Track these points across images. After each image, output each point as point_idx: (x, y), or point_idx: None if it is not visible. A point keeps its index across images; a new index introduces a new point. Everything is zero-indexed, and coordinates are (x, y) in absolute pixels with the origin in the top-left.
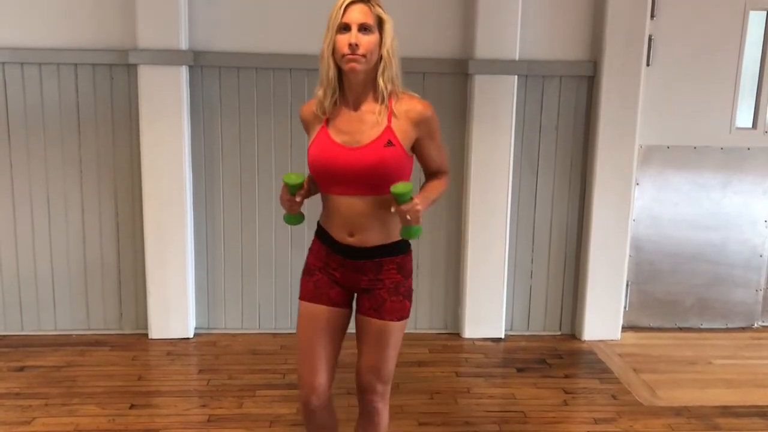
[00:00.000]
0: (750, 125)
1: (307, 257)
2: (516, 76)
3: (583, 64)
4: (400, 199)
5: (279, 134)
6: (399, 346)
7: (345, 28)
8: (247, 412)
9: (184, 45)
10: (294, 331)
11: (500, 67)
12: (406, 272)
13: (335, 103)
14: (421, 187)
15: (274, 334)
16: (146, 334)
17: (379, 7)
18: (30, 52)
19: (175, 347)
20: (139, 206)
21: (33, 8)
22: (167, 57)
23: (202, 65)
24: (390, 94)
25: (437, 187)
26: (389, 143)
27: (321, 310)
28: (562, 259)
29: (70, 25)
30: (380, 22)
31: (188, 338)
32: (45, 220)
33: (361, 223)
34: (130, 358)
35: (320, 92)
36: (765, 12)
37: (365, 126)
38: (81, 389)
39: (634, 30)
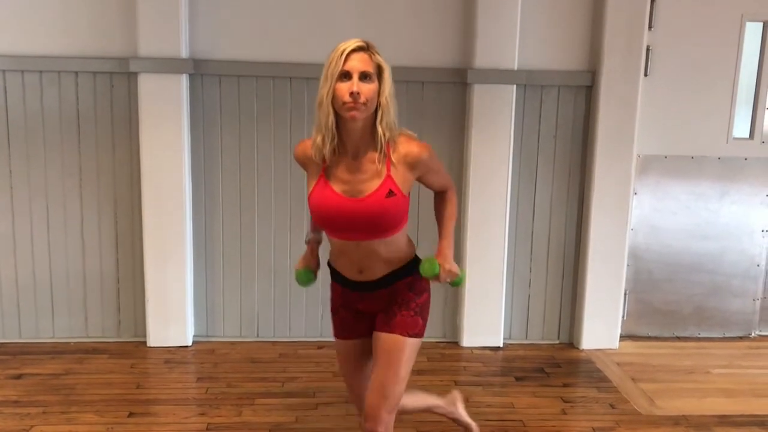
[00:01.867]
0: (747, 135)
1: (330, 295)
2: (515, 86)
3: (581, 74)
4: (432, 277)
5: (279, 143)
6: (409, 367)
7: (345, 76)
8: (246, 420)
9: (184, 53)
10: (293, 339)
11: (499, 76)
12: (417, 290)
13: (333, 149)
14: (437, 219)
15: (273, 342)
16: (145, 342)
17: (378, 54)
18: (31, 60)
19: (173, 355)
20: (138, 214)
21: (34, 16)
22: (168, 65)
23: (203, 73)
24: (387, 141)
25: (451, 212)
26: (390, 193)
27: (352, 344)
28: (561, 268)
29: (71, 33)
30: (379, 70)
31: (187, 346)
32: (44, 228)
33: (367, 262)
34: (128, 366)
35: (318, 139)
36: (762, 23)
37: (365, 176)
38: (79, 397)
39: (632, 40)
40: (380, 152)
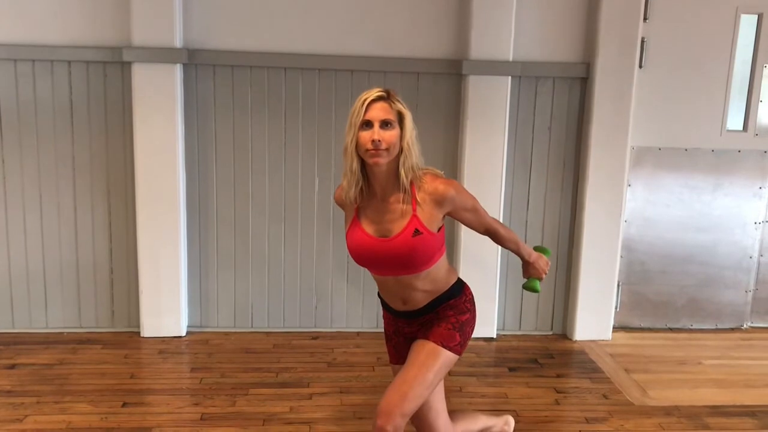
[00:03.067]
0: (741, 128)
1: (384, 324)
2: (510, 77)
3: (576, 65)
4: (535, 288)
5: (273, 133)
6: (438, 378)
7: (367, 124)
8: (240, 411)
9: (178, 43)
10: (287, 329)
11: (494, 68)
12: (459, 309)
13: (362, 192)
14: (509, 249)
15: (267, 333)
16: (138, 332)
17: (399, 102)
18: (23, 49)
19: (167, 345)
20: (132, 204)
21: (26, 5)
22: (161, 55)
23: (197, 63)
24: (412, 182)
25: (510, 237)
26: (417, 232)
27: None
28: (554, 260)
29: (64, 22)
30: (400, 117)
31: (181, 336)
32: (37, 218)
33: (408, 295)
34: (122, 356)
35: (345, 183)
36: (756, 15)
37: (393, 216)
38: (73, 387)
39: (627, 32)
40: (404, 193)
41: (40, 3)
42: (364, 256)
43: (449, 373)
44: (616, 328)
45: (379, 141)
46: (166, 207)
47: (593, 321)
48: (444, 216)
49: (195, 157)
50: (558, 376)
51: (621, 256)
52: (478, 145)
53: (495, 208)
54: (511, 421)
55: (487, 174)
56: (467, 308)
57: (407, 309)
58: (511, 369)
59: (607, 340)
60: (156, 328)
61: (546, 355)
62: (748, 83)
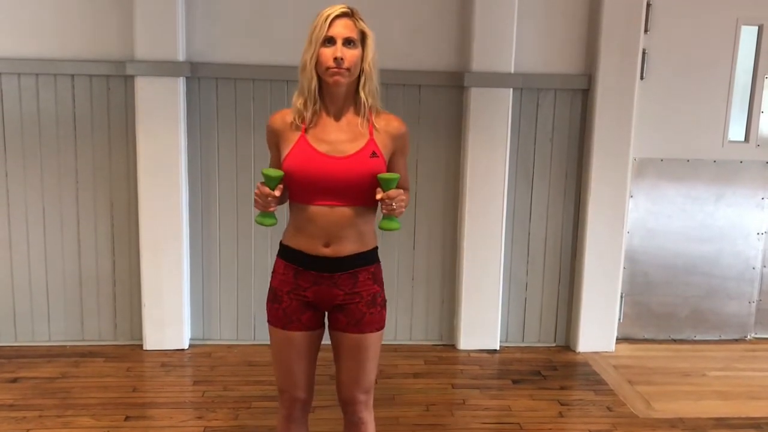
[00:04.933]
0: (742, 138)
1: (272, 282)
2: (511, 89)
3: (577, 77)
4: (386, 186)
5: None
6: (377, 356)
7: (329, 41)
8: (243, 424)
9: (181, 56)
10: None
11: (496, 80)
12: (380, 282)
13: (314, 113)
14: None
15: (270, 346)
16: (141, 345)
17: (362, 21)
18: (27, 63)
19: (170, 358)
20: (135, 217)
21: (30, 18)
22: (164, 68)
23: (199, 76)
24: (370, 108)
25: (407, 195)
26: (374, 154)
27: (294, 336)
28: (557, 271)
29: (68, 36)
30: (363, 37)
31: (183, 349)
32: (40, 231)
33: (338, 233)
34: (124, 370)
35: (299, 102)
36: (757, 27)
37: (348, 136)
38: (75, 401)
39: (628, 44)
40: (363, 117)
41: (44, 17)
42: (309, 175)
43: (452, 386)
44: (619, 340)
45: (342, 59)
46: (169, 220)
47: (596, 332)
48: (391, 154)
49: (198, 170)
50: (562, 388)
51: (624, 268)
52: (480, 157)
53: (498, 219)
54: None
55: (490, 186)
56: (382, 280)
57: (326, 255)
58: (514, 381)
59: (610, 352)
60: (159, 341)
61: (549, 367)
62: (749, 94)
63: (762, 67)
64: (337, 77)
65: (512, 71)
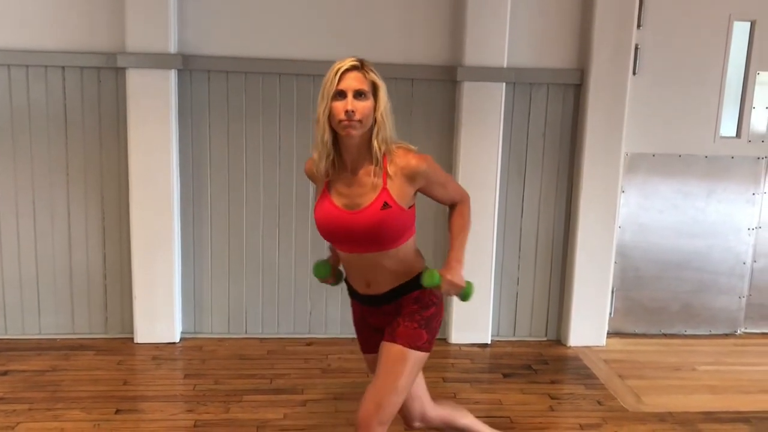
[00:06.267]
0: (734, 134)
1: (352, 311)
2: (504, 84)
3: (570, 72)
4: (433, 287)
5: (267, 139)
6: (410, 381)
7: (340, 94)
8: (234, 417)
9: (173, 48)
10: (281, 336)
11: (488, 74)
12: (424, 303)
13: (333, 165)
14: (449, 230)
15: (261, 339)
16: (132, 339)
17: (373, 72)
18: (17, 54)
19: (161, 352)
20: (126, 210)
21: (21, 10)
22: (156, 60)
23: (191, 69)
24: (384, 154)
25: (461, 224)
26: (386, 205)
27: (373, 358)
28: (549, 266)
29: (59, 28)
30: (374, 87)
31: (174, 343)
32: (30, 223)
33: (373, 276)
34: (115, 363)
35: (315, 155)
36: (749, 22)
37: (363, 189)
38: (66, 394)
39: (620, 39)
40: (376, 166)
41: (35, 8)
42: (330, 229)
43: (443, 380)
44: (610, 334)
45: (353, 111)
46: (160, 213)
47: (587, 327)
48: (416, 193)
49: (189, 163)
50: (552, 382)
51: (615, 262)
52: (473, 152)
53: (490, 214)
54: None
55: (482, 180)
56: (432, 301)
57: (371, 293)
58: (505, 375)
59: (601, 346)
60: (149, 334)
61: (540, 361)
62: (741, 90)
63: (754, 62)
64: (349, 129)
65: (505, 66)
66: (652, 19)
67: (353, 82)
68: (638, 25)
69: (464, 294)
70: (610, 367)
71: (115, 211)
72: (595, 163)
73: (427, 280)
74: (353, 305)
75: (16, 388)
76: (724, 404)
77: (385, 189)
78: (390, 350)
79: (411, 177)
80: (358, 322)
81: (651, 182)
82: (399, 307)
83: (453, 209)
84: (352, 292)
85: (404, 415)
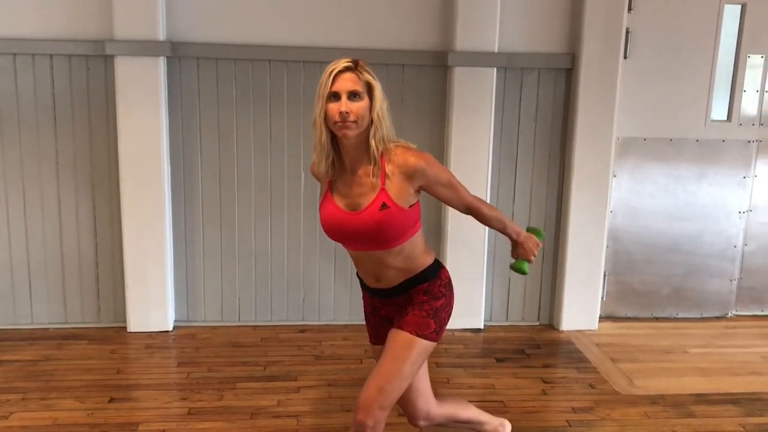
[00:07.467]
0: (725, 118)
1: (363, 304)
2: (495, 69)
3: (561, 56)
4: (524, 269)
5: (258, 126)
6: (415, 368)
7: (335, 96)
8: (228, 405)
9: (161, 36)
10: (275, 323)
11: (479, 59)
12: (433, 294)
13: (333, 165)
14: (492, 226)
15: (254, 327)
16: (125, 327)
17: (368, 72)
18: (4, 42)
19: (154, 340)
20: (117, 198)
21: None
22: (144, 48)
23: (180, 56)
24: (382, 154)
25: (498, 214)
26: (384, 206)
27: (377, 349)
28: (541, 250)
29: (46, 15)
30: (369, 87)
31: (167, 331)
32: (20, 213)
33: (381, 271)
34: (108, 352)
35: (315, 156)
36: (740, 5)
37: (363, 189)
38: (59, 383)
39: (611, 23)
40: (374, 166)
41: None
42: (334, 230)
43: (437, 365)
44: (602, 318)
45: (347, 113)
46: (151, 201)
47: (580, 311)
48: (418, 191)
49: (180, 150)
50: (545, 366)
51: (607, 246)
52: (464, 137)
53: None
54: (508, 425)
55: (473, 165)
56: (442, 293)
57: (381, 287)
58: (498, 360)
59: (593, 330)
60: (142, 322)
61: (533, 346)
62: (731, 73)
63: (745, 46)
64: (344, 131)
65: (496, 50)
66: (642, 3)
67: (347, 83)
68: (629, 9)
69: (527, 266)
70: (603, 351)
71: (106, 200)
72: (587, 148)
73: (519, 267)
74: (364, 297)
75: (9, 377)
76: (715, 386)
77: (383, 189)
78: (397, 336)
79: (409, 175)
80: (369, 314)
81: (642, 166)
82: (409, 297)
83: (479, 212)
84: (363, 286)
85: (409, 413)
